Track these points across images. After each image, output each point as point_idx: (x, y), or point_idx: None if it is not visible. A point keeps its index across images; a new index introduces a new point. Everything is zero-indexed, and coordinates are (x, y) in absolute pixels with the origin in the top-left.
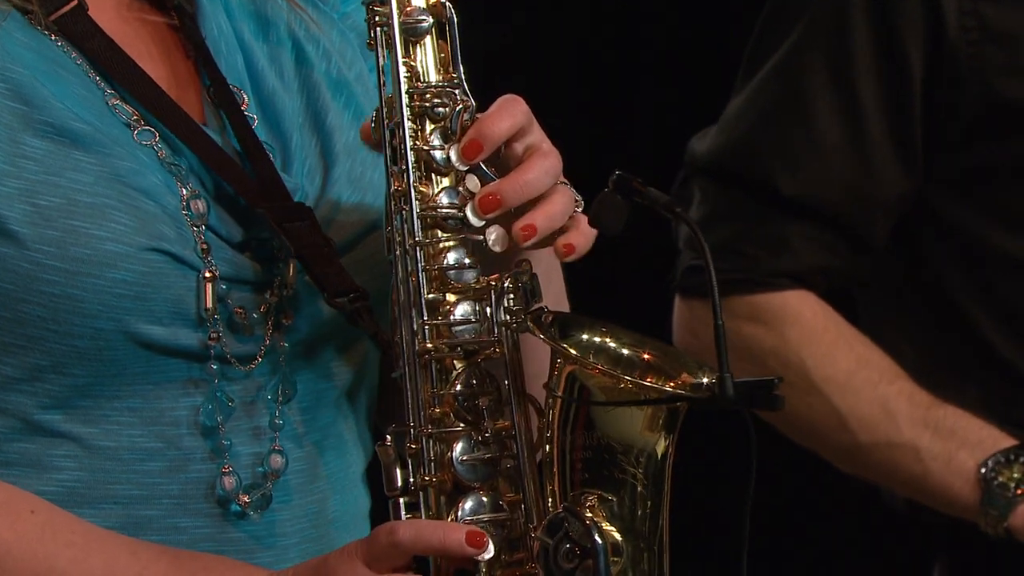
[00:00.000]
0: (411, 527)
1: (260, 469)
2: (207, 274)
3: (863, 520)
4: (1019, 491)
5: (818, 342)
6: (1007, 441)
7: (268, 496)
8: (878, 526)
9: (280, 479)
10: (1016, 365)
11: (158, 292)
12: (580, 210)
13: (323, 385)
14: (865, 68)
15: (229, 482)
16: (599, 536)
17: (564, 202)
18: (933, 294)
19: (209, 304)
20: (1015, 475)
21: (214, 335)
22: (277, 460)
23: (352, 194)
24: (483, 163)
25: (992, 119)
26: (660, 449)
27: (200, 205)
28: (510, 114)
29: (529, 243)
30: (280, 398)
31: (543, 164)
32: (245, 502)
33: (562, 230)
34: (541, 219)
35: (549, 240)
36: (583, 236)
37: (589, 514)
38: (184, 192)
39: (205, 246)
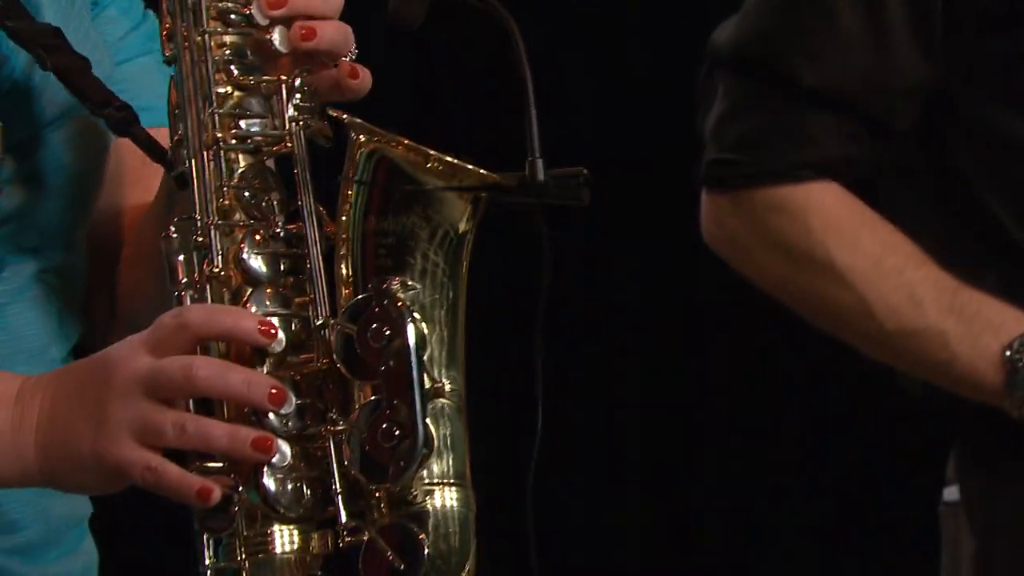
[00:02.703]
0: (201, 309)
1: None
2: None
3: (877, 406)
4: None
5: (842, 230)
6: None
7: None
8: (892, 412)
9: None
10: None
11: None
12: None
13: (22, 264)
14: None
15: None
16: (409, 317)
17: (347, 31)
18: (952, 182)
19: None
20: None
21: None
22: None
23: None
24: None
25: (1007, 5)
26: (461, 240)
27: None
28: None
29: (308, 46)
30: None
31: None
32: None
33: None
34: (325, 28)
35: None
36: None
37: (399, 294)
38: None
39: None
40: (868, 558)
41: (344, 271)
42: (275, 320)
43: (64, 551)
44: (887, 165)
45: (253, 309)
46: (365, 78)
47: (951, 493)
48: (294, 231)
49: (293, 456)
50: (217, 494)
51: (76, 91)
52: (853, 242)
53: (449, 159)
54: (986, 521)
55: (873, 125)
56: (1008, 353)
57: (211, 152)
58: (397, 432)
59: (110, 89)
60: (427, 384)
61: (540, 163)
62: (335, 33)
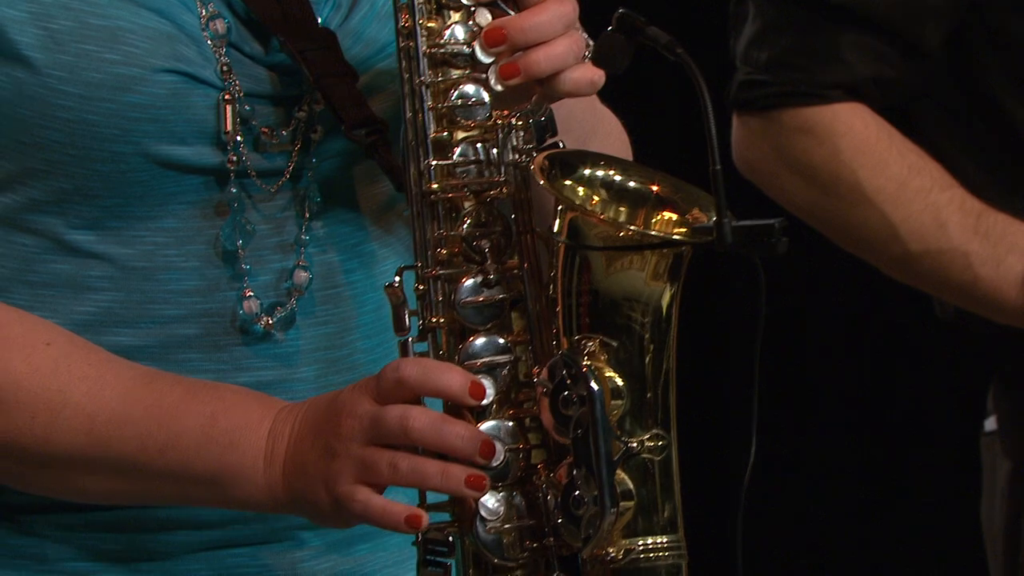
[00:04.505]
0: (417, 365)
1: (286, 284)
2: (227, 96)
3: (917, 333)
4: None
5: (869, 153)
6: None
7: (292, 314)
8: (932, 339)
9: (305, 296)
10: None
11: (178, 114)
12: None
13: (353, 201)
14: None
15: (249, 306)
16: (595, 382)
17: (569, 46)
18: (984, 103)
19: (229, 127)
20: None
21: (234, 158)
22: (301, 276)
23: (378, 24)
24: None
25: None
26: (667, 294)
27: (220, 25)
28: None
29: (512, 82)
30: (307, 214)
31: (558, 9)
32: (269, 323)
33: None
34: (536, 58)
35: (555, 86)
36: (588, 71)
37: (587, 360)
38: (203, 12)
39: (226, 66)
40: (915, 491)
41: (553, 323)
42: (496, 361)
43: None
44: (917, 88)
45: (475, 347)
46: (580, 80)
47: (991, 423)
48: (514, 273)
49: (509, 502)
50: (426, 520)
51: (332, 107)
52: (880, 164)
53: (642, 230)
54: (1020, 441)
55: (903, 45)
56: None
57: (430, 200)
58: (586, 500)
59: (368, 107)
60: (619, 449)
61: (728, 224)
62: (547, 58)
